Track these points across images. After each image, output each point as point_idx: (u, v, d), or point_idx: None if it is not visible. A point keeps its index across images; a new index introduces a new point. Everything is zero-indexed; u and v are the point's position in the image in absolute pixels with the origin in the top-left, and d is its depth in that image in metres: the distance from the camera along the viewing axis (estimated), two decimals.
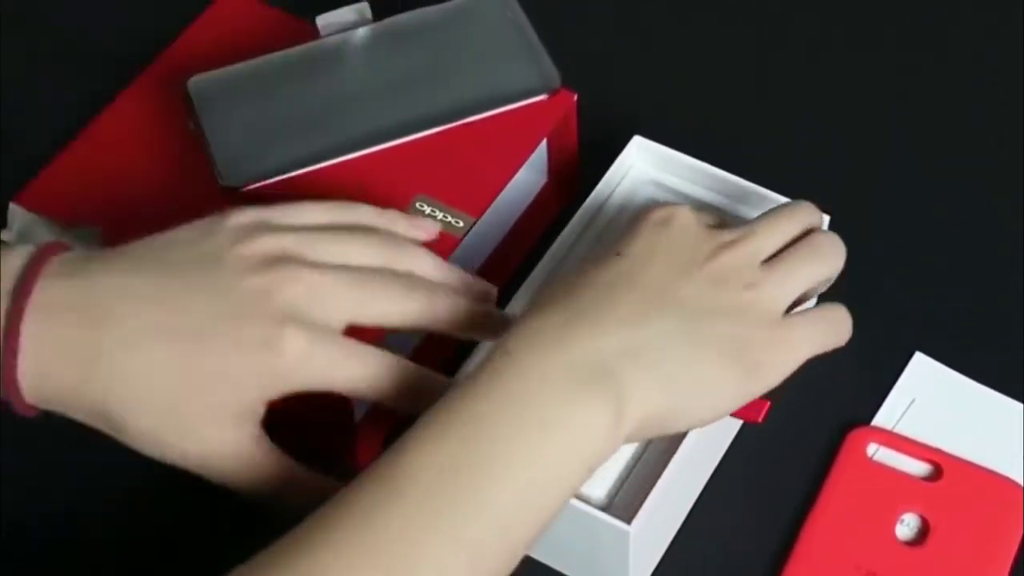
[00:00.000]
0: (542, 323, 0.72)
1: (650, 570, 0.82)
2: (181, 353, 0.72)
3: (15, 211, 0.90)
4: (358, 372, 0.73)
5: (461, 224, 0.84)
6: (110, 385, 0.72)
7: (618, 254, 0.76)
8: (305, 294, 0.73)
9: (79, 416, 0.73)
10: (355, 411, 0.82)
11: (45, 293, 0.72)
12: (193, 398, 0.72)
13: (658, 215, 0.78)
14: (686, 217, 0.78)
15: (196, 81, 0.89)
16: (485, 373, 0.70)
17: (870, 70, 1.01)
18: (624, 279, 0.75)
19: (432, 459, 0.67)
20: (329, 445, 0.84)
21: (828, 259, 0.81)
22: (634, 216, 0.80)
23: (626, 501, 0.78)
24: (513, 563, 0.68)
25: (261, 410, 0.73)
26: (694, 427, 0.76)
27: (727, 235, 0.78)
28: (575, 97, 0.90)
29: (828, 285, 0.82)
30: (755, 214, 0.87)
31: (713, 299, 0.75)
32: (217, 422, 0.72)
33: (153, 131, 0.91)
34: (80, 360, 0.72)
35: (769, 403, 0.81)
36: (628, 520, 0.76)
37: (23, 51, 1.02)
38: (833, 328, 0.80)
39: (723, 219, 0.82)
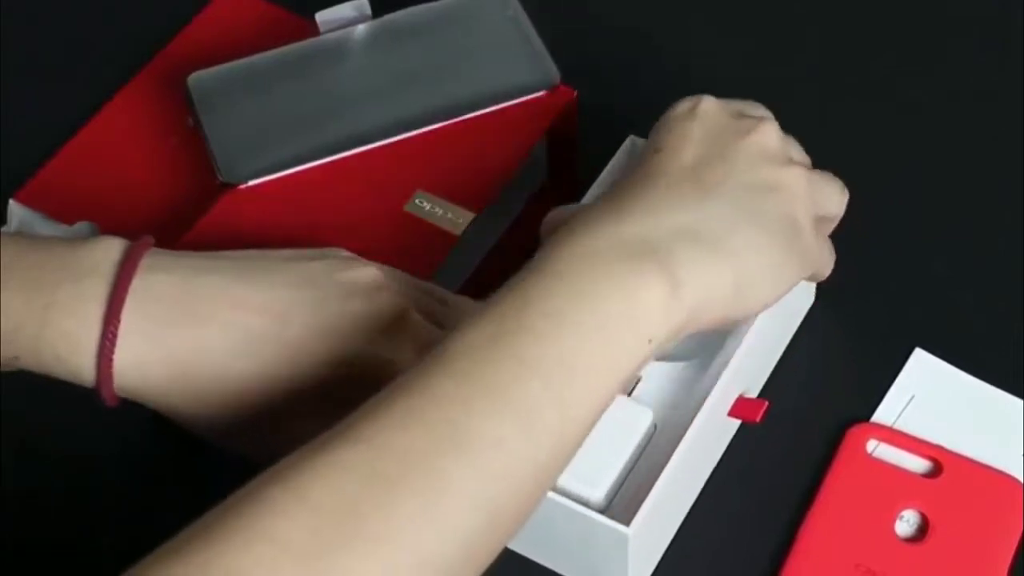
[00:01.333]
0: (590, 213, 0.72)
1: (649, 571, 0.81)
2: (279, 366, 0.74)
3: (14, 208, 0.90)
4: None
5: (461, 220, 0.84)
6: (207, 388, 0.73)
7: (656, 151, 0.76)
8: (397, 324, 0.75)
9: (163, 410, 0.75)
10: None
11: (145, 283, 0.73)
12: (284, 413, 0.74)
13: (682, 107, 0.78)
14: (709, 103, 0.78)
15: (196, 78, 0.89)
16: (536, 258, 0.70)
17: (869, 68, 1.01)
18: (665, 169, 0.74)
19: (479, 333, 0.67)
20: None
21: (844, 193, 0.82)
22: (662, 116, 0.80)
23: (625, 503, 0.78)
24: (576, 439, 0.68)
25: None
26: (754, 313, 0.76)
27: (756, 112, 0.79)
28: (575, 93, 0.90)
29: (833, 226, 0.84)
30: None
31: (757, 174, 0.75)
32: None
33: (152, 128, 0.91)
34: (180, 357, 0.73)
35: (767, 403, 0.81)
36: (627, 522, 0.76)
37: (22, 47, 1.02)
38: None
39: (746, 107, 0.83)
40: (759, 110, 0.80)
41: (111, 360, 0.72)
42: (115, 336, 0.72)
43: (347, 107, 0.88)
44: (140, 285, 0.73)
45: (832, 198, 0.81)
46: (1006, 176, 0.95)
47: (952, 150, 0.97)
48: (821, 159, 0.95)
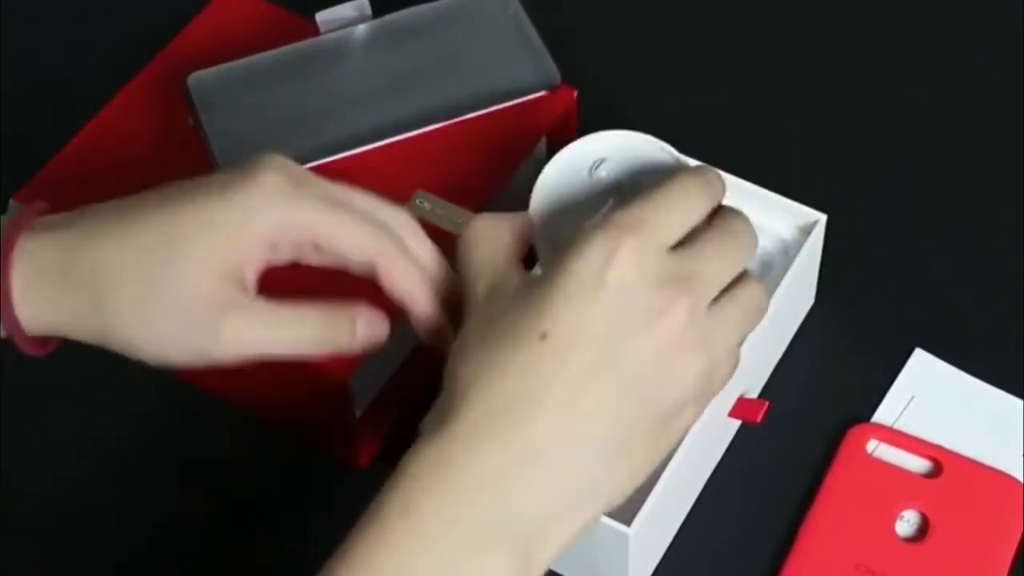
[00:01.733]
0: (444, 448, 0.64)
1: (650, 571, 0.81)
2: (167, 212, 0.72)
3: (15, 208, 0.89)
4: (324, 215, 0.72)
5: (461, 220, 0.84)
6: (98, 264, 0.71)
7: (543, 336, 0.65)
8: (290, 168, 0.72)
9: (81, 333, 0.72)
10: (356, 408, 0.82)
11: (36, 226, 0.72)
12: (178, 257, 0.71)
13: (590, 270, 0.65)
14: (625, 267, 0.65)
15: (196, 77, 0.89)
16: (380, 525, 0.64)
17: (869, 68, 1.01)
18: (548, 374, 0.64)
19: None
20: (329, 443, 0.84)
21: (749, 325, 0.71)
22: (562, 256, 0.66)
23: (625, 503, 0.78)
24: None
25: (247, 274, 0.72)
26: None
27: (678, 274, 0.67)
28: (575, 93, 0.90)
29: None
30: (754, 214, 0.87)
31: (652, 389, 0.66)
32: (204, 276, 0.71)
33: (153, 127, 0.91)
34: (72, 272, 0.71)
35: (768, 403, 0.81)
36: (627, 522, 0.76)
37: (23, 47, 1.02)
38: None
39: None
40: (684, 264, 0.68)
41: (11, 309, 0.71)
42: (8, 290, 0.70)
43: (347, 107, 0.88)
44: (31, 227, 0.72)
45: (733, 356, 0.70)
46: (1006, 176, 0.95)
47: (952, 150, 0.97)
48: (819, 157, 0.95)
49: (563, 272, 0.66)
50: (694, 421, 0.69)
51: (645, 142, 0.77)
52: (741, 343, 0.70)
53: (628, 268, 0.65)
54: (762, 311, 0.71)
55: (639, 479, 0.68)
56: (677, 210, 0.68)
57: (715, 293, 0.68)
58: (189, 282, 0.70)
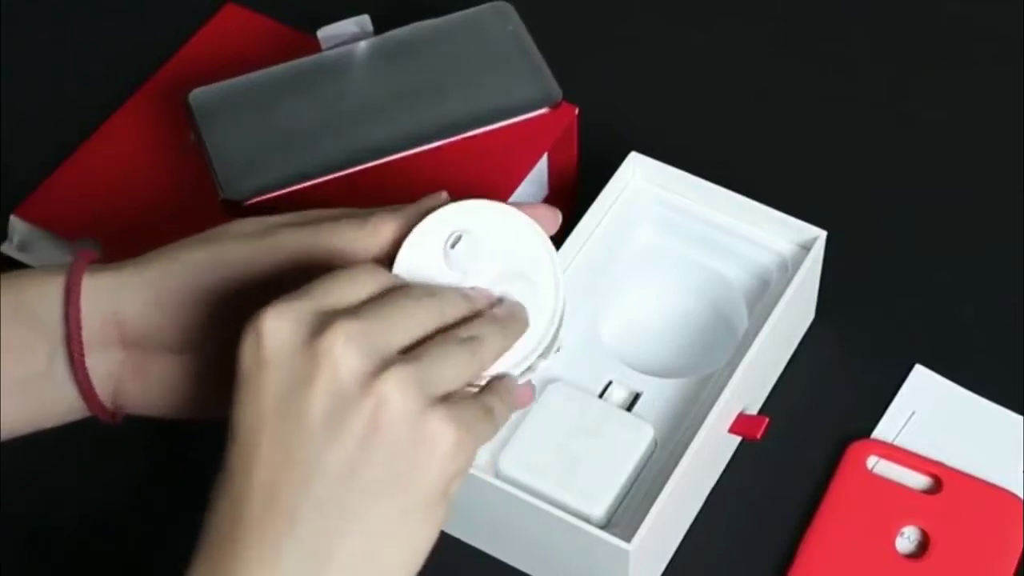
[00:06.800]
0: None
1: None
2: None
3: (16, 223, 0.90)
4: None
5: None
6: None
7: (233, 440, 0.62)
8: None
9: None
10: None
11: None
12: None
13: (248, 354, 0.62)
14: (274, 334, 0.62)
15: (197, 94, 0.89)
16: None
17: (869, 85, 1.01)
18: (245, 486, 0.61)
19: None
20: None
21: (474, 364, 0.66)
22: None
23: (626, 519, 0.78)
24: None
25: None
26: None
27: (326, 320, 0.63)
28: (576, 111, 0.90)
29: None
30: (753, 230, 0.87)
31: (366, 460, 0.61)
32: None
33: (154, 144, 0.92)
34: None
35: (768, 420, 0.81)
36: (628, 538, 0.76)
37: (24, 62, 1.02)
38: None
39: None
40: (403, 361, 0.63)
41: (96, 398, 0.72)
42: (89, 382, 0.71)
43: (348, 124, 0.88)
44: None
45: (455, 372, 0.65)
46: (1006, 191, 0.96)
47: (952, 166, 0.97)
48: (819, 174, 0.95)
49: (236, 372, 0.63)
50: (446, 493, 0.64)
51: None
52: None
53: (277, 335, 0.62)
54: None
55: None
56: (333, 284, 0.64)
57: (394, 342, 0.63)
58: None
